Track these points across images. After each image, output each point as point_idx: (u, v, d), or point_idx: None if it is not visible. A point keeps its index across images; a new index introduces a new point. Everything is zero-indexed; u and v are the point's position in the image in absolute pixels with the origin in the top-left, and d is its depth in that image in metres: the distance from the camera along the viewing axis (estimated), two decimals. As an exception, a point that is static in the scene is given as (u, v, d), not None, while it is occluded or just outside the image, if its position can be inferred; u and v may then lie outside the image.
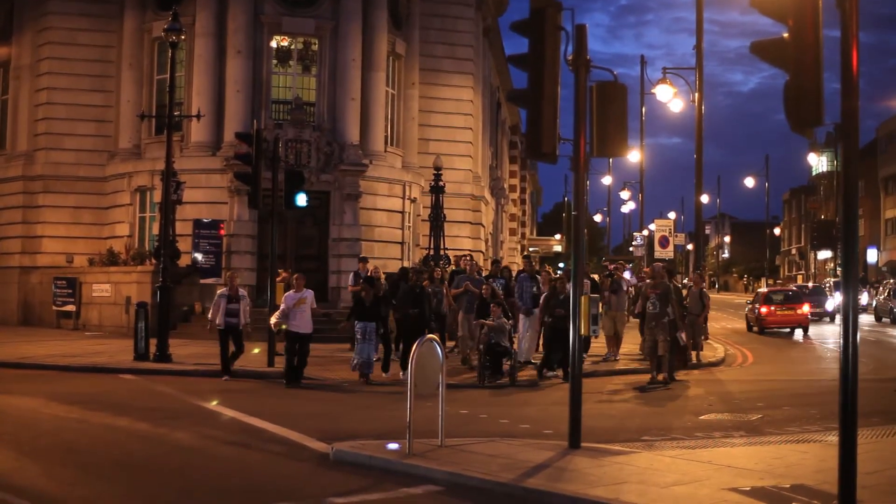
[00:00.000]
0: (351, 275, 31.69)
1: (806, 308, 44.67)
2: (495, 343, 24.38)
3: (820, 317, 53.96)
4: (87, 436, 16.59)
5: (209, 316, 25.94)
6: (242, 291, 26.10)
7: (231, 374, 25.16)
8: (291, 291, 24.60)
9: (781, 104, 10.36)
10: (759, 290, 60.74)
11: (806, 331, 43.67)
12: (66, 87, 44.38)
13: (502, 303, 25.88)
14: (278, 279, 28.61)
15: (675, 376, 24.78)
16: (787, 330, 43.67)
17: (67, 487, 12.69)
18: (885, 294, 57.52)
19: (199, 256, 39.19)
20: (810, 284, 67.59)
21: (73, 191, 44.42)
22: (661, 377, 23.93)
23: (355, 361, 24.30)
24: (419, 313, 25.55)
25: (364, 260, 31.07)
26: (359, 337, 24.36)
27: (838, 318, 46.03)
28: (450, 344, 29.29)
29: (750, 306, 47.92)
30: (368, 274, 29.01)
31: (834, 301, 54.89)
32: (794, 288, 56.41)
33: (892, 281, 61.98)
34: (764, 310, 43.79)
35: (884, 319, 55.27)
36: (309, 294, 24.64)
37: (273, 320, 24.78)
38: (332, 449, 14.54)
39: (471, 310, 27.11)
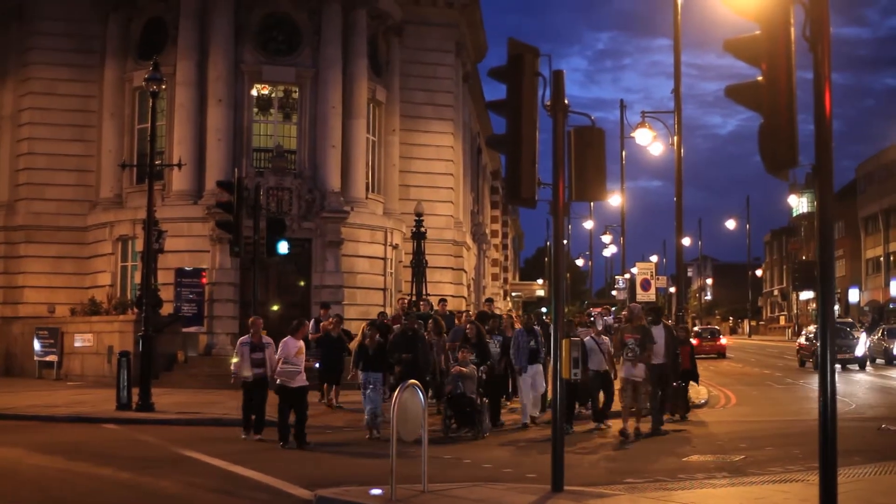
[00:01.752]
0: (311, 322, 30.55)
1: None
2: (461, 393, 22.71)
3: (845, 363, 48.25)
4: (70, 486, 16.54)
5: (232, 368, 23.02)
6: (267, 339, 22.67)
7: (258, 430, 22.49)
8: (289, 338, 21.56)
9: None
10: (808, 327, 59.72)
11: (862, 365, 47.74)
12: (48, 137, 44.45)
13: (482, 345, 24.61)
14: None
15: (662, 428, 23.41)
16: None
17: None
18: (879, 335, 55.15)
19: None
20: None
21: (54, 240, 44.41)
22: (632, 429, 22.33)
23: (367, 418, 22.62)
24: (412, 359, 23.20)
25: (326, 306, 30.41)
26: (363, 391, 23.00)
27: (869, 366, 46.69)
28: None
29: (806, 343, 49.89)
30: (329, 322, 28.69)
31: (863, 344, 50.24)
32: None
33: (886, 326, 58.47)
34: None
35: (878, 361, 53.17)
36: (301, 344, 21.99)
37: (247, 373, 22.23)
38: (314, 496, 14.53)
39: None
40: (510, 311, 33.19)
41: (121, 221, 42.82)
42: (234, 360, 22.88)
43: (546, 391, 25.17)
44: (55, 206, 44.49)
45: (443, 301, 32.63)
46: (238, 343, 23.23)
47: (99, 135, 44.49)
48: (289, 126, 42.85)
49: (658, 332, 23.86)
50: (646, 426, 22.90)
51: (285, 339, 21.57)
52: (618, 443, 21.63)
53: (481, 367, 23.83)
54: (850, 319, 62.10)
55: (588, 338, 24.20)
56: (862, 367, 48.30)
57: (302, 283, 41.25)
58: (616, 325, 29.04)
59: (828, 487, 10.24)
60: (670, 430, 23.46)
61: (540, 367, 25.09)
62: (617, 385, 23.98)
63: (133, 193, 42.42)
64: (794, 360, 55.14)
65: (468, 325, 25.55)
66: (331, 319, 29.02)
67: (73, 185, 44.78)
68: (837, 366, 44.91)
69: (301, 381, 21.46)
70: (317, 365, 23.24)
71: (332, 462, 18.76)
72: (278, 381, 21.37)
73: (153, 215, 30.19)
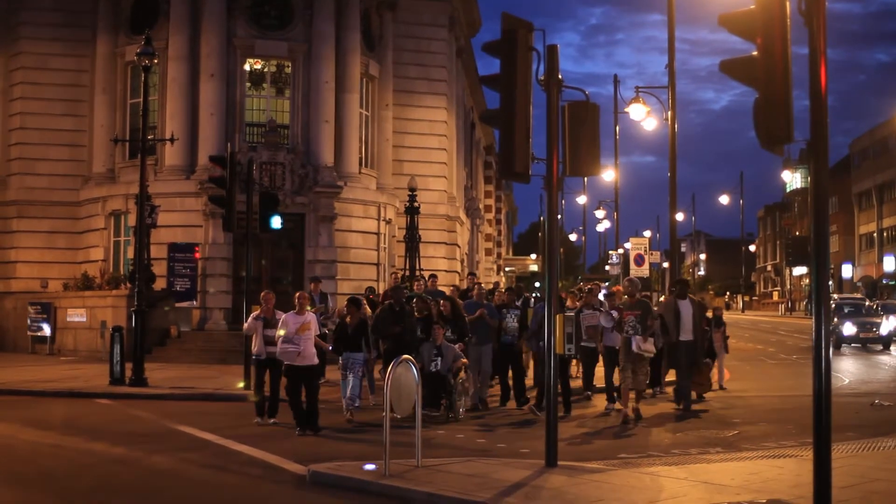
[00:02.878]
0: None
1: None
2: (434, 372, 21.19)
3: (864, 343, 45.89)
4: (63, 461, 16.51)
5: (253, 349, 21.14)
6: (280, 314, 20.58)
7: (272, 415, 20.84)
8: (291, 313, 19.80)
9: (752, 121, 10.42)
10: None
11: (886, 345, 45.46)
12: (39, 112, 44.33)
13: (459, 321, 22.95)
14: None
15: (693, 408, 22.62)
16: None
17: (43, 513, 12.64)
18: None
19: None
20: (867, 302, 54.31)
21: (46, 216, 44.34)
22: (631, 411, 20.85)
23: (346, 402, 21.05)
24: (401, 333, 22.13)
25: (316, 280, 28.69)
26: (342, 372, 21.44)
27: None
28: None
29: None
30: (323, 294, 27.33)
31: (889, 324, 46.55)
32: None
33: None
34: None
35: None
36: (312, 318, 20.03)
37: (282, 352, 19.59)
38: (308, 470, 14.52)
39: (482, 341, 23.58)
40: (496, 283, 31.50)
41: (113, 196, 42.75)
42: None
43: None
44: (47, 181, 44.41)
45: (433, 277, 31.50)
46: (250, 318, 21.31)
47: (91, 109, 44.37)
48: (282, 101, 42.74)
49: (685, 307, 22.88)
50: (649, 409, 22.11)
51: (285, 315, 19.88)
52: (613, 419, 21.54)
53: (457, 344, 22.40)
54: (860, 296, 58.77)
55: (603, 315, 23.30)
56: (886, 348, 45.28)
57: (294, 258, 41.22)
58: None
59: (822, 463, 10.22)
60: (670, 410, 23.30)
61: None
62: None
63: (125, 168, 42.33)
64: (788, 336, 55.20)
65: (443, 302, 23.65)
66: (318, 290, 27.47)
67: (66, 160, 44.67)
68: (857, 344, 45.39)
69: (306, 359, 19.42)
70: (330, 348, 21.61)
71: (326, 439, 18.71)
72: (285, 362, 19.53)
73: (146, 190, 30.07)
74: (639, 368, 21.04)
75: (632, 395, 21.13)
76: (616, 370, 22.40)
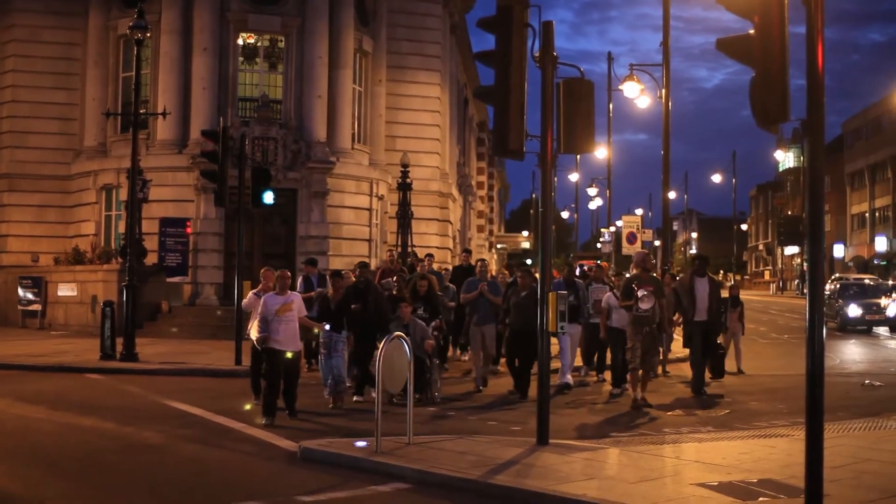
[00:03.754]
0: (300, 280, 26.41)
1: None
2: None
3: (871, 326, 44.16)
4: (53, 436, 16.47)
5: (249, 329, 19.48)
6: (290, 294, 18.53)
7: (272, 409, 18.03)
8: (270, 293, 18.19)
9: (746, 100, 10.39)
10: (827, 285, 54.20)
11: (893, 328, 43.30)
12: (31, 85, 44.17)
13: (433, 300, 22.26)
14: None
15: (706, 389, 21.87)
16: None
17: (33, 488, 12.59)
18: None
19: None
20: (867, 280, 51.69)
21: (38, 189, 44.20)
22: (640, 394, 19.68)
23: (330, 385, 19.80)
24: (361, 311, 20.39)
25: (313, 263, 26.76)
26: (323, 351, 20.12)
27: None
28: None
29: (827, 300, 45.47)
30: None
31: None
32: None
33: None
34: None
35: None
36: (296, 298, 18.35)
37: (254, 335, 18.25)
38: (299, 447, 14.49)
39: (485, 320, 22.78)
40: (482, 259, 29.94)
41: (105, 170, 42.63)
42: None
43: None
44: (39, 155, 44.27)
45: (429, 256, 30.70)
46: (250, 294, 20.20)
47: (83, 83, 44.21)
48: (274, 76, 42.62)
49: (702, 286, 21.85)
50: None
51: (265, 296, 18.23)
52: (605, 398, 21.48)
53: (432, 323, 21.64)
54: (867, 277, 54.73)
55: (608, 294, 22.55)
56: (893, 330, 43.14)
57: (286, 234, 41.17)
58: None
59: (814, 442, 10.20)
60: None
61: (580, 327, 23.16)
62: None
63: (117, 142, 42.20)
64: (779, 316, 55.22)
65: (419, 281, 22.52)
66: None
67: (57, 134, 44.53)
68: (862, 327, 43.87)
69: (290, 342, 17.85)
70: (327, 327, 19.91)
71: (317, 416, 18.67)
72: (264, 345, 17.88)
73: (137, 164, 29.97)
74: (650, 349, 19.91)
75: (636, 376, 19.87)
76: (625, 352, 20.85)
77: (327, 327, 19.74)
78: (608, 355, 23.25)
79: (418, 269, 27.03)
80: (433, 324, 21.71)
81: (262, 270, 20.02)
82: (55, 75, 44.46)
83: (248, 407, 19.33)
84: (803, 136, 73.19)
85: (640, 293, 19.63)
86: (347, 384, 20.28)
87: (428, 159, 48.24)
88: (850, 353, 33.19)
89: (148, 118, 39.26)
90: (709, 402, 20.53)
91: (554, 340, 22.05)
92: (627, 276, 21.92)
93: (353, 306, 20.40)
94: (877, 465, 13.05)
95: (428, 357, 20.16)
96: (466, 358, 27.24)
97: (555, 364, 24.08)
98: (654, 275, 21.12)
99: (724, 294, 25.74)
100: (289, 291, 18.18)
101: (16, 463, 14.16)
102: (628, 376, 20.50)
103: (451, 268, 33.57)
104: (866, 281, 49.89)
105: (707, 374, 22.99)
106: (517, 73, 14.27)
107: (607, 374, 23.43)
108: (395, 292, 22.67)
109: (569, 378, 22.92)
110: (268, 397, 17.74)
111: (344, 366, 19.99)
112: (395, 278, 24.46)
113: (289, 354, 17.90)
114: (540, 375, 14.95)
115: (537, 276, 16.52)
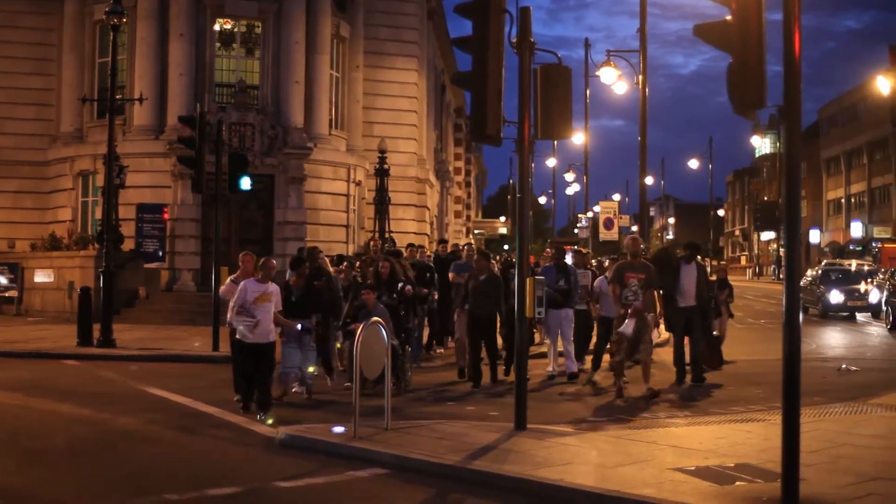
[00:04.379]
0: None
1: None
2: None
3: (853, 312, 43.32)
4: (29, 422, 16.43)
5: (229, 317, 17.39)
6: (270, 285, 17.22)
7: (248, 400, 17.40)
8: (251, 279, 17.00)
9: (722, 87, 10.44)
10: (808, 271, 50.26)
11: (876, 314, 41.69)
12: (7, 71, 44.03)
13: (395, 285, 20.97)
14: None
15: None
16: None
17: (8, 476, 12.55)
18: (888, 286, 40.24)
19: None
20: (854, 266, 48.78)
21: (14, 175, 44.06)
22: (647, 389, 18.86)
23: (292, 375, 18.95)
24: (317, 294, 19.59)
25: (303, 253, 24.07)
26: (283, 339, 18.72)
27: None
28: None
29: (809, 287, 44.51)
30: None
31: (879, 291, 41.57)
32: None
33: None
34: None
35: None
36: (275, 291, 17.14)
37: (237, 324, 16.94)
38: (277, 433, 14.50)
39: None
40: (467, 244, 28.97)
41: (81, 156, 42.52)
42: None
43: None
44: (15, 141, 44.10)
45: (420, 248, 29.08)
46: (228, 281, 19.05)
47: (59, 69, 44.09)
48: (251, 61, 42.55)
49: (689, 272, 21.16)
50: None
51: (244, 282, 17.03)
52: (583, 384, 21.36)
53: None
54: (847, 263, 52.48)
55: (600, 279, 21.86)
56: (875, 317, 41.69)
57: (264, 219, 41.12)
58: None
59: (791, 427, 10.25)
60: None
61: (571, 312, 22.21)
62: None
63: (94, 128, 42.09)
64: (756, 301, 55.37)
65: (381, 263, 21.53)
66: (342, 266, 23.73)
67: (33, 120, 44.43)
68: (845, 313, 43.27)
69: (262, 335, 16.67)
70: (299, 327, 18.54)
71: (295, 403, 18.65)
72: (236, 336, 17.10)
73: (114, 150, 29.86)
74: (639, 339, 18.69)
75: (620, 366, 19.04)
76: (609, 342, 20.16)
77: (299, 327, 18.57)
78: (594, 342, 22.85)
79: (406, 254, 25.91)
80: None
81: (241, 255, 18.46)
82: (31, 61, 44.32)
83: (226, 396, 19.21)
84: (780, 122, 73.31)
85: (630, 281, 18.68)
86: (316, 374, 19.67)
87: (405, 145, 48.28)
88: (827, 339, 33.32)
89: (125, 104, 39.15)
90: (686, 387, 20.56)
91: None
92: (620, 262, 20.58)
93: (315, 283, 19.65)
94: (853, 450, 13.11)
95: (400, 345, 19.55)
96: (441, 352, 26.97)
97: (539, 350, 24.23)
98: (646, 260, 20.10)
99: (712, 277, 25.64)
100: (269, 283, 16.96)
101: (-7, 449, 14.13)
102: (606, 361, 20.21)
103: (465, 244, 32.53)
104: (853, 267, 48.44)
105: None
106: (495, 59, 14.26)
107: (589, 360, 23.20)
108: (359, 279, 22.18)
109: (574, 366, 22.02)
110: (241, 391, 17.30)
111: (295, 358, 18.80)
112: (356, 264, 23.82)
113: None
114: (518, 360, 14.98)
115: (513, 260, 16.32)
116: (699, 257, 22.79)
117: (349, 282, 22.04)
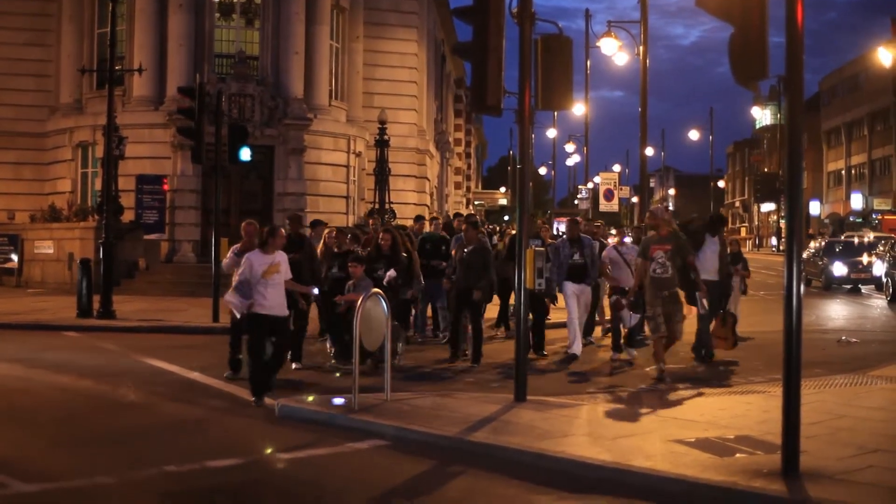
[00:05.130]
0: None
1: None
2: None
3: (857, 284, 42.67)
4: (29, 394, 16.40)
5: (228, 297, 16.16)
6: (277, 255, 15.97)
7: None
8: (256, 251, 15.72)
9: (723, 57, 10.47)
10: (811, 243, 49.75)
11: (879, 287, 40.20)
12: (6, 42, 43.95)
13: (397, 263, 19.39)
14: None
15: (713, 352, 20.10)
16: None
17: (8, 447, 12.54)
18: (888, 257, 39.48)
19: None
20: (855, 240, 48.12)
21: (13, 146, 44.03)
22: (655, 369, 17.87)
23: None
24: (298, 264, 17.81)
25: (316, 225, 22.85)
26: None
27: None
28: None
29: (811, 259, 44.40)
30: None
31: (882, 264, 40.39)
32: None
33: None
34: None
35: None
36: (283, 259, 15.82)
37: (231, 299, 15.73)
38: (277, 404, 14.47)
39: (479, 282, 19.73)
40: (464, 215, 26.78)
41: (81, 127, 42.45)
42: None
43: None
44: (14, 112, 44.04)
45: (422, 219, 27.80)
46: (230, 253, 17.95)
47: (58, 39, 44.00)
48: (251, 32, 42.41)
49: (712, 246, 19.95)
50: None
51: (248, 254, 15.78)
52: (584, 357, 20.96)
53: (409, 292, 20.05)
54: (853, 236, 51.26)
55: (609, 248, 21.05)
56: (879, 289, 40.35)
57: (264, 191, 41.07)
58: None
59: (791, 398, 10.25)
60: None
61: (589, 288, 20.90)
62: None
63: (93, 99, 41.98)
64: (756, 273, 55.23)
65: (381, 234, 20.02)
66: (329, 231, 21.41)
67: (33, 91, 44.36)
68: (848, 285, 42.86)
69: (278, 308, 15.66)
70: (316, 291, 17.90)
71: (295, 375, 18.61)
72: (245, 311, 15.61)
73: (113, 121, 29.82)
74: (674, 313, 17.75)
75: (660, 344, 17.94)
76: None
77: (316, 291, 17.98)
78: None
79: (415, 227, 25.21)
80: (409, 294, 20.20)
81: (242, 225, 17.95)
82: (30, 31, 44.24)
83: (226, 369, 19.00)
84: (781, 93, 73.18)
85: (656, 254, 17.72)
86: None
87: (405, 116, 48.23)
88: (827, 311, 33.32)
89: (124, 75, 39.06)
90: (685, 359, 20.48)
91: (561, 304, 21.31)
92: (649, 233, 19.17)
93: (291, 256, 17.30)
94: (853, 422, 13.09)
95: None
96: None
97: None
98: (675, 228, 18.68)
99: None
100: (276, 252, 15.59)
101: (-8, 421, 14.13)
102: (651, 343, 18.53)
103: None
104: (870, 237, 47.59)
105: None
106: (495, 29, 14.20)
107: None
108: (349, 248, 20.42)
109: (577, 348, 20.59)
110: (256, 374, 15.42)
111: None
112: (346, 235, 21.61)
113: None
114: (518, 332, 14.96)
115: (513, 232, 16.02)
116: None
117: (336, 251, 20.13)
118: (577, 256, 20.39)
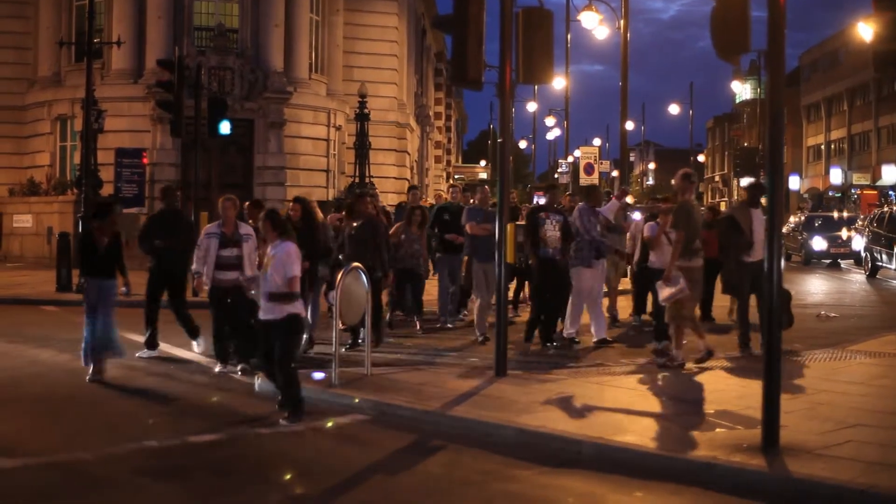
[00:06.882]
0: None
1: None
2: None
3: (836, 259, 43.04)
4: (7, 370, 16.34)
5: (193, 267, 16.39)
6: (246, 229, 15.98)
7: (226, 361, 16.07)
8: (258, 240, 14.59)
9: (703, 32, 10.41)
10: (791, 217, 50.61)
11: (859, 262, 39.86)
12: (-17, 14, 43.65)
13: (312, 240, 16.60)
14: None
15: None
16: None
17: (-11, 421, 12.53)
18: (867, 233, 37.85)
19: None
20: (836, 215, 47.83)
21: (-9, 119, 43.81)
22: (667, 351, 16.39)
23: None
24: (168, 248, 18.38)
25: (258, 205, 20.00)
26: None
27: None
28: None
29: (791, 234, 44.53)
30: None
31: (861, 238, 39.30)
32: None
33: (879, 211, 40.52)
34: None
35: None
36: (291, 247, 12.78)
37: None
38: (257, 379, 14.43)
39: (486, 256, 18.08)
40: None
41: (59, 100, 42.23)
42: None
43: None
44: (-8, 84, 43.82)
45: (415, 189, 27.00)
46: (203, 234, 16.65)
47: (36, 12, 43.73)
48: (231, 4, 42.21)
49: (757, 218, 16.95)
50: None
51: (275, 248, 12.83)
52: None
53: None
54: (834, 213, 50.38)
55: (651, 223, 18.22)
56: (858, 264, 40.03)
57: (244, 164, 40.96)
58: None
59: (771, 376, 10.27)
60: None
61: (604, 262, 19.11)
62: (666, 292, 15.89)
63: (72, 72, 41.75)
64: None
65: (293, 205, 17.75)
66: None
67: (11, 63, 44.12)
68: (827, 260, 43.03)
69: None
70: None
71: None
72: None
73: (92, 94, 29.66)
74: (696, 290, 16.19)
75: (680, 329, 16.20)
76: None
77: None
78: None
79: (409, 199, 24.20)
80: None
81: (220, 201, 16.46)
82: (8, 3, 44.03)
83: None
84: (761, 67, 73.24)
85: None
86: None
87: (385, 90, 48.13)
88: (807, 286, 33.39)
89: (103, 47, 38.88)
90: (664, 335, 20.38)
91: None
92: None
93: (159, 243, 18.29)
94: (832, 397, 13.13)
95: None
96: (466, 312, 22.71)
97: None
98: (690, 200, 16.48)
99: None
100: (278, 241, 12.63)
101: (-29, 396, 14.08)
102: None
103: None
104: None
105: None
106: (475, 2, 14.14)
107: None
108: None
109: (573, 331, 18.77)
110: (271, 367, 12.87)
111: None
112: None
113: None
114: (498, 305, 14.95)
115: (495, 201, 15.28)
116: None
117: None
118: (599, 228, 18.33)
